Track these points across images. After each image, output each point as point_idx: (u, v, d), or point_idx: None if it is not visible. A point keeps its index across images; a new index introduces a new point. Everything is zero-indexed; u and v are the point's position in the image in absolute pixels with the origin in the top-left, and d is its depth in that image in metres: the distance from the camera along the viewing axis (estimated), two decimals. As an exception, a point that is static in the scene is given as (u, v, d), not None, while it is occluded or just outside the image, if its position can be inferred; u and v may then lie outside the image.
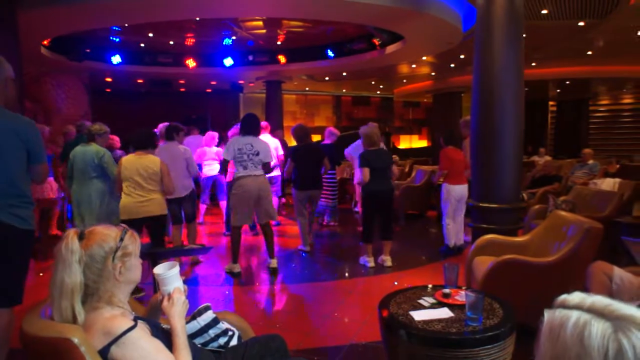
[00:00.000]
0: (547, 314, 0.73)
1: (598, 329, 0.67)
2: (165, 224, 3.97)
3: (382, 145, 5.06)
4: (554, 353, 0.69)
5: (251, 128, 4.42)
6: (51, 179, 5.49)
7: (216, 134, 6.56)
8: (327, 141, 6.26)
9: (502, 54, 3.74)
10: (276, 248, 4.92)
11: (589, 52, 9.47)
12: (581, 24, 7.04)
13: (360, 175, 4.55)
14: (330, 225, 6.71)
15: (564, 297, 0.74)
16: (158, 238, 3.80)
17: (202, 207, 6.83)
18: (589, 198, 4.94)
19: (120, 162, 3.75)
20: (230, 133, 5.99)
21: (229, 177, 5.91)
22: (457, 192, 4.94)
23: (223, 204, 6.35)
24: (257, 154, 4.34)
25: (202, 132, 7.03)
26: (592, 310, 0.69)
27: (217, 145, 6.58)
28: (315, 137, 9.25)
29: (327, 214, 6.67)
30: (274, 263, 4.56)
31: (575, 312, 0.70)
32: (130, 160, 3.71)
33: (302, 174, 5.15)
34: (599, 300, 0.71)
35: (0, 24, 4.16)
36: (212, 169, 6.41)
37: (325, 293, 4.03)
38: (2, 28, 4.18)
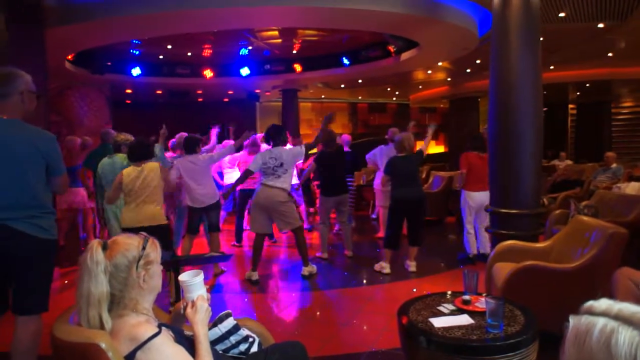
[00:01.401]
0: (573, 320, 0.73)
1: (626, 336, 0.66)
2: (167, 234, 3.88)
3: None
4: (580, 358, 0.69)
5: (277, 139, 4.51)
6: (81, 189, 5.62)
7: (232, 142, 6.64)
8: (345, 148, 6.24)
9: (518, 57, 3.71)
10: (294, 256, 4.95)
11: (610, 54, 9.29)
12: (600, 25, 6.92)
13: (379, 178, 4.61)
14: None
15: (590, 303, 0.73)
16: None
17: (222, 214, 6.89)
18: (613, 203, 4.83)
19: (120, 176, 3.70)
20: (246, 143, 6.05)
21: (238, 187, 5.95)
22: (476, 199, 4.80)
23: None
24: (281, 165, 4.41)
25: (220, 141, 7.12)
26: (620, 318, 0.68)
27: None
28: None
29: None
30: (305, 271, 4.60)
31: (602, 318, 0.69)
32: (130, 174, 3.67)
33: (329, 180, 5.17)
34: (627, 307, 0.70)
35: (29, 40, 4.32)
36: (232, 177, 6.49)
37: (343, 300, 4.03)
38: (31, 45, 4.34)
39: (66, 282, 4.47)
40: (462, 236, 5.09)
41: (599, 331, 0.68)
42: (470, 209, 4.88)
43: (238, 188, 5.95)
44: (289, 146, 5.92)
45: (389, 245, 4.64)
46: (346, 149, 6.16)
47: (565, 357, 0.72)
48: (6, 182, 2.18)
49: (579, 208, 4.72)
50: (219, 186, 6.62)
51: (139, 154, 3.73)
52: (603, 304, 0.71)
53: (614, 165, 7.64)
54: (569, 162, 10.90)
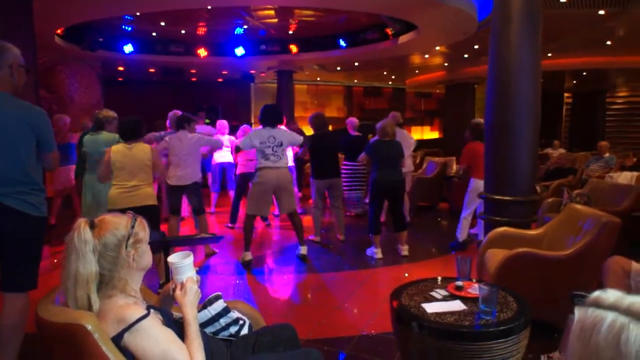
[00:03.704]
0: (579, 313, 0.68)
1: (638, 334, 0.62)
2: (157, 215, 3.76)
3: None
4: (585, 355, 0.65)
5: (273, 119, 4.45)
6: (73, 167, 5.53)
7: (226, 123, 6.61)
8: (352, 132, 6.17)
9: (518, 44, 3.64)
10: (286, 239, 4.93)
11: (608, 42, 9.23)
12: (601, 12, 6.85)
13: (360, 157, 4.68)
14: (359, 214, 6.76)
15: (597, 294, 0.68)
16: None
17: (214, 196, 6.86)
18: (605, 191, 4.85)
19: (108, 152, 3.57)
20: (238, 134, 6.05)
21: (238, 170, 5.96)
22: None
23: (232, 194, 6.38)
24: (281, 144, 4.37)
25: (213, 121, 7.07)
26: (631, 313, 0.64)
27: (229, 134, 6.63)
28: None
29: (357, 204, 6.57)
30: (303, 250, 4.62)
31: (611, 313, 0.65)
32: (120, 151, 3.57)
33: (320, 163, 5.15)
34: (638, 301, 0.65)
35: (16, 12, 4.17)
36: (222, 156, 6.44)
37: (335, 284, 4.04)
38: (18, 16, 4.19)
39: (56, 260, 4.43)
40: (454, 222, 5.07)
41: (607, 326, 0.64)
42: (479, 197, 4.83)
43: (238, 172, 5.96)
44: (283, 128, 5.86)
45: (373, 230, 4.66)
46: (353, 132, 6.09)
47: (570, 352, 0.68)
48: None
49: (571, 196, 4.73)
50: (208, 167, 6.59)
51: (131, 132, 3.63)
52: (611, 296, 0.67)
53: (606, 154, 7.67)
54: (562, 150, 10.93)
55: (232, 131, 6.80)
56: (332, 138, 5.32)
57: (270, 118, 4.44)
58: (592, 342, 0.65)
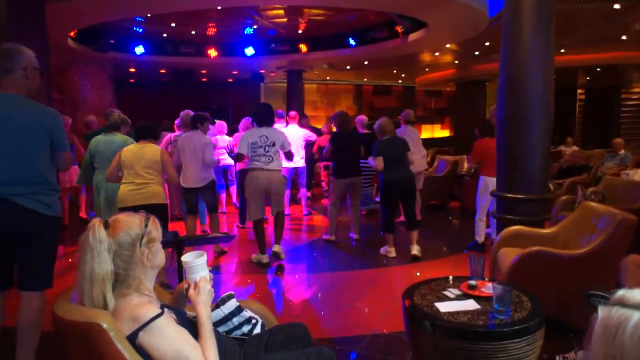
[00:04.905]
0: (602, 311, 0.67)
1: None
2: (165, 214, 3.83)
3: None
4: (609, 354, 0.64)
5: (265, 119, 4.38)
6: (76, 166, 5.61)
7: (225, 123, 6.67)
8: (362, 130, 6.17)
9: (531, 39, 3.59)
10: (297, 238, 4.91)
11: (624, 37, 9.06)
12: (616, 6, 6.73)
13: (374, 164, 4.57)
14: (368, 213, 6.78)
15: (622, 293, 0.67)
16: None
17: (223, 197, 6.89)
18: (620, 189, 4.77)
19: (120, 152, 3.70)
20: (241, 126, 6.04)
21: (238, 166, 5.94)
22: (495, 184, 4.72)
23: (233, 189, 6.64)
24: (273, 145, 4.31)
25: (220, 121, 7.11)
26: None
27: (227, 134, 6.66)
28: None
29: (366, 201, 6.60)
30: (277, 247, 4.56)
31: (637, 312, 0.64)
32: (131, 150, 3.68)
33: (341, 162, 5.11)
34: None
35: (29, 14, 4.23)
36: (223, 157, 6.45)
37: (347, 283, 4.03)
38: (31, 19, 4.24)
39: (70, 260, 4.49)
40: (465, 221, 5.03)
41: (633, 326, 0.62)
42: (489, 195, 4.78)
43: (238, 168, 5.95)
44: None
45: (386, 229, 4.63)
46: (362, 130, 6.07)
47: (593, 351, 0.66)
48: (10, 157, 2.17)
49: (586, 194, 4.66)
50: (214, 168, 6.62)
51: (143, 133, 3.77)
52: (637, 295, 0.66)
53: (622, 151, 7.55)
54: (575, 148, 10.77)
55: (232, 134, 6.80)
56: (353, 137, 5.27)
57: (263, 118, 4.38)
58: (617, 342, 0.63)
